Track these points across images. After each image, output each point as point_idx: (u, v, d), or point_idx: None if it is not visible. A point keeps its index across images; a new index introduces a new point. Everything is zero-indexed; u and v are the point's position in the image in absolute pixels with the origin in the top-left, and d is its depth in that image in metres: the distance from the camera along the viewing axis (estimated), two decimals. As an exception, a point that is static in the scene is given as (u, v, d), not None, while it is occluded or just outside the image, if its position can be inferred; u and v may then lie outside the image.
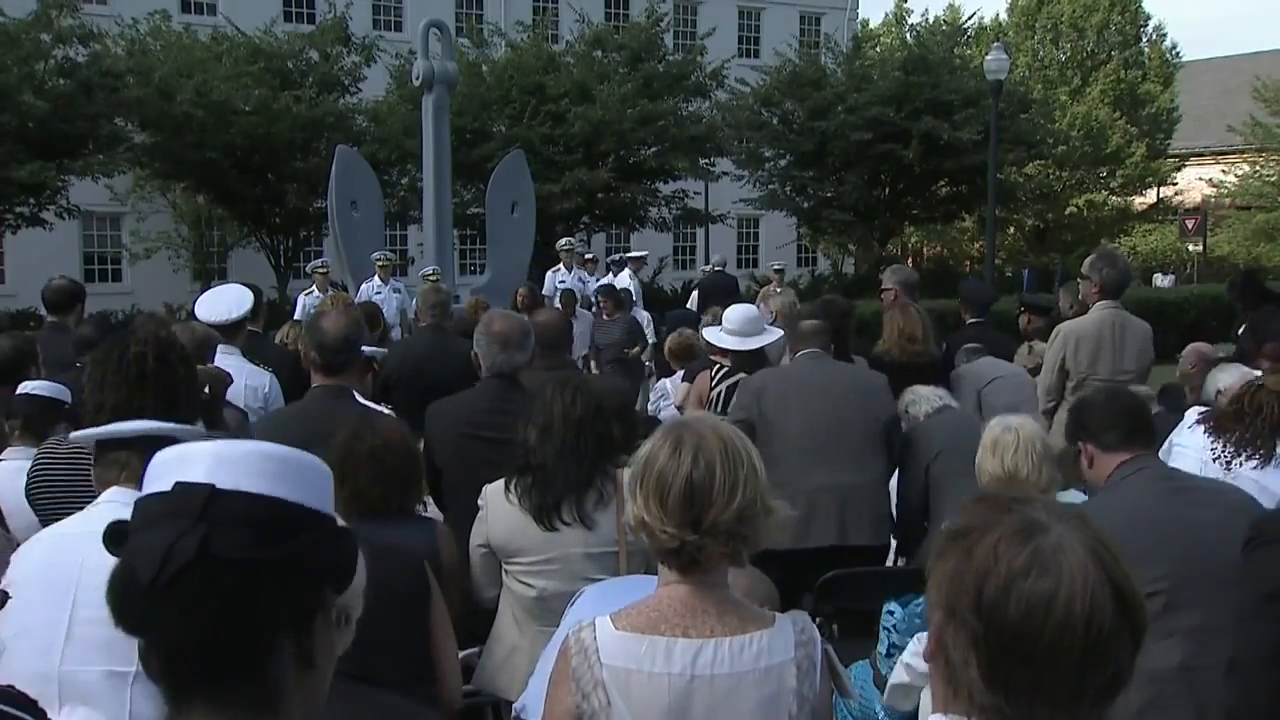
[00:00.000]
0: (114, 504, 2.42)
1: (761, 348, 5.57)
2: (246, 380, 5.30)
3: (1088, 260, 6.09)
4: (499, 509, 3.32)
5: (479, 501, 3.40)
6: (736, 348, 5.44)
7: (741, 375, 5.32)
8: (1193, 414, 4.74)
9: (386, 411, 4.26)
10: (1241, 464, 4.37)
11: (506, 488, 3.31)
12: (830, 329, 5.10)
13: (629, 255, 15.36)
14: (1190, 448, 4.56)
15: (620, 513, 3.15)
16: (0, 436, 3.93)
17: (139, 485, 2.38)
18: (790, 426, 4.67)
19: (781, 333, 5.62)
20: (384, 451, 3.20)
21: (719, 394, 5.39)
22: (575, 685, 1.98)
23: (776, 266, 16.24)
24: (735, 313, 5.63)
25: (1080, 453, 3.27)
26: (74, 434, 2.85)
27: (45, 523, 3.08)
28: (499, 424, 3.78)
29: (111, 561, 1.26)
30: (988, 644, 1.28)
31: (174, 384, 2.86)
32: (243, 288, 5.79)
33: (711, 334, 5.64)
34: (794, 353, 5.07)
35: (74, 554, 2.29)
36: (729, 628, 2.02)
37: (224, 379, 4.80)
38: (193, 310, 5.62)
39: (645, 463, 2.07)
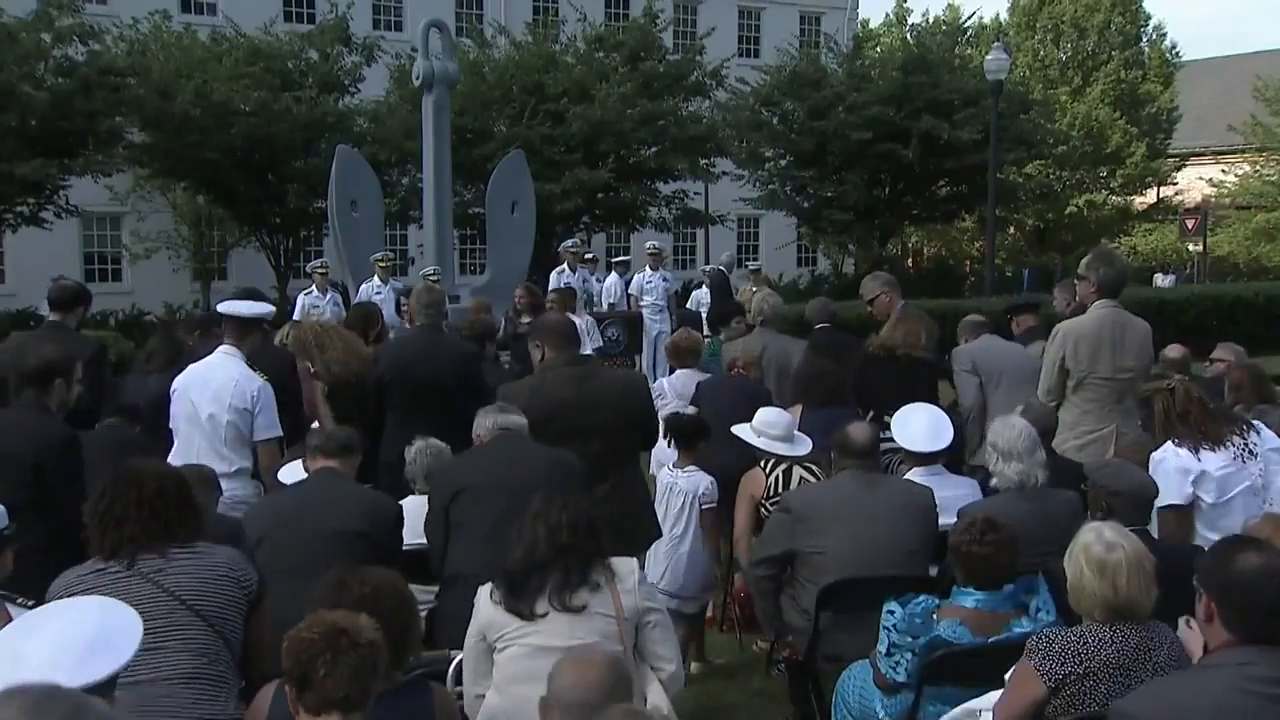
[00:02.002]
0: None
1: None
2: (238, 380, 5.37)
3: (1084, 260, 6.07)
4: (486, 609, 3.50)
5: (474, 601, 3.57)
6: (787, 454, 5.42)
7: (788, 463, 5.37)
8: (1172, 454, 4.72)
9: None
10: (1255, 445, 4.53)
11: (492, 595, 3.51)
12: (875, 445, 4.89)
13: (648, 250, 15.20)
14: (1220, 467, 4.58)
15: (620, 609, 3.45)
16: None
17: None
18: (830, 549, 4.50)
19: (809, 444, 5.53)
20: (373, 602, 2.96)
21: (775, 479, 5.35)
22: None
23: (753, 267, 16.13)
24: (776, 418, 5.54)
25: (1198, 597, 2.86)
26: None
27: None
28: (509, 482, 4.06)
29: None
30: None
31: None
32: (268, 304, 5.92)
33: (761, 442, 5.48)
34: (839, 467, 4.85)
35: None
36: None
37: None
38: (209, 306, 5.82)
39: None
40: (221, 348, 5.52)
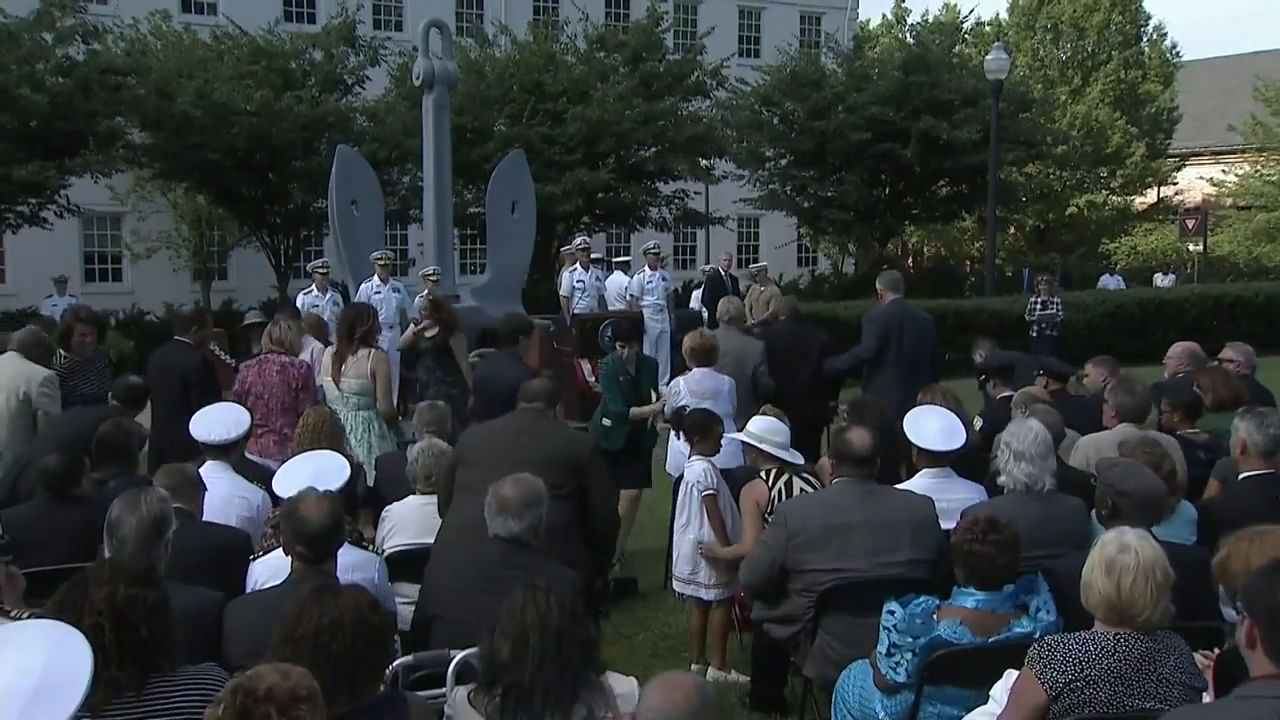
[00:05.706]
0: None
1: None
2: (236, 493, 5.10)
3: (1108, 388, 5.90)
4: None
5: (447, 709, 3.12)
6: (792, 460, 5.45)
7: (789, 473, 5.39)
8: None
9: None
10: None
11: (471, 701, 3.02)
12: (875, 453, 4.69)
13: (646, 249, 15.17)
14: None
15: None
16: None
17: None
18: (828, 566, 4.47)
19: (802, 459, 5.55)
20: (330, 634, 2.81)
21: (779, 491, 5.33)
22: None
23: (759, 265, 16.17)
24: (775, 426, 5.56)
25: (1241, 620, 2.64)
26: None
27: None
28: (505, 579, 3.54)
29: None
30: None
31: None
32: (240, 410, 5.63)
33: (764, 446, 5.49)
34: (837, 475, 4.76)
35: None
36: None
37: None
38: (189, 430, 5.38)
39: None
40: (209, 463, 5.20)
